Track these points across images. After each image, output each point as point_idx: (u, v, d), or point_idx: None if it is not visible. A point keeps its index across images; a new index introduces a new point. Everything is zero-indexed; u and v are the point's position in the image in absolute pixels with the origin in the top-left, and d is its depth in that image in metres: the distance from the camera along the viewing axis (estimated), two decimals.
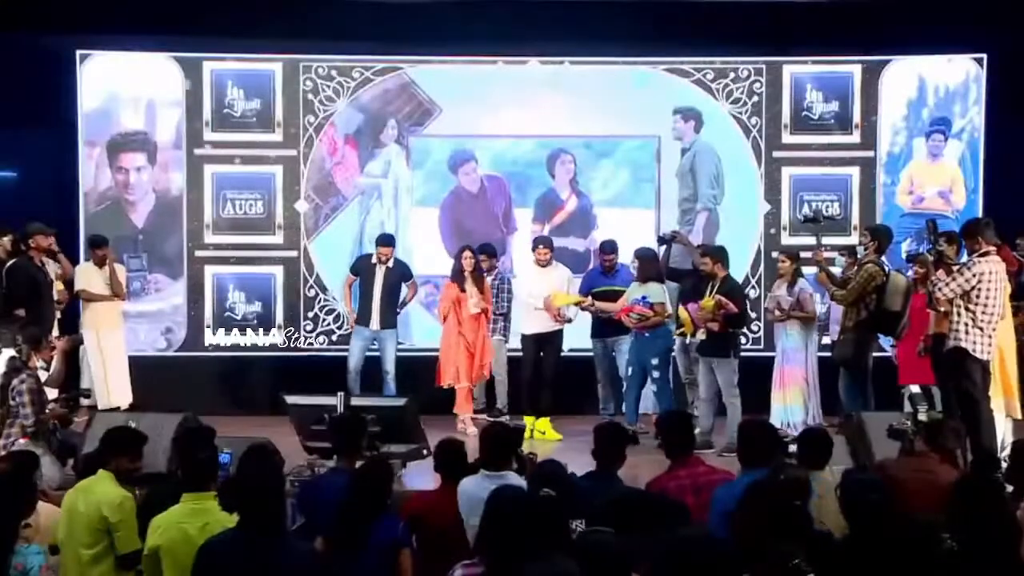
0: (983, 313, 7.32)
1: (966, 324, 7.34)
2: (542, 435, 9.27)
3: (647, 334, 9.02)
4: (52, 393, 7.84)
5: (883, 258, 8.64)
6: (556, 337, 9.56)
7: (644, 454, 7.74)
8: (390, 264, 9.73)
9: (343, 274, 10.28)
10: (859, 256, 8.66)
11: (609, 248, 9.60)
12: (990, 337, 7.38)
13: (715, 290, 8.72)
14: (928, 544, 3.80)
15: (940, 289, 7.34)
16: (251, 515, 4.10)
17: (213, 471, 4.73)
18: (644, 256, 9.30)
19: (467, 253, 9.50)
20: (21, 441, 7.22)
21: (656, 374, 9.01)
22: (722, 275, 8.82)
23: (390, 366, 9.74)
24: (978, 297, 7.31)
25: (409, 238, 10.70)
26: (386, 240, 9.84)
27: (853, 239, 10.08)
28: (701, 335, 8.76)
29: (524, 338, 9.59)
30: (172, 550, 4.46)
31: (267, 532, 4.08)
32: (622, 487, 5.22)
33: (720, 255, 8.97)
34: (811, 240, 9.07)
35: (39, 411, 7.34)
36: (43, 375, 7.84)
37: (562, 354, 9.61)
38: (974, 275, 7.29)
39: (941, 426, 5.72)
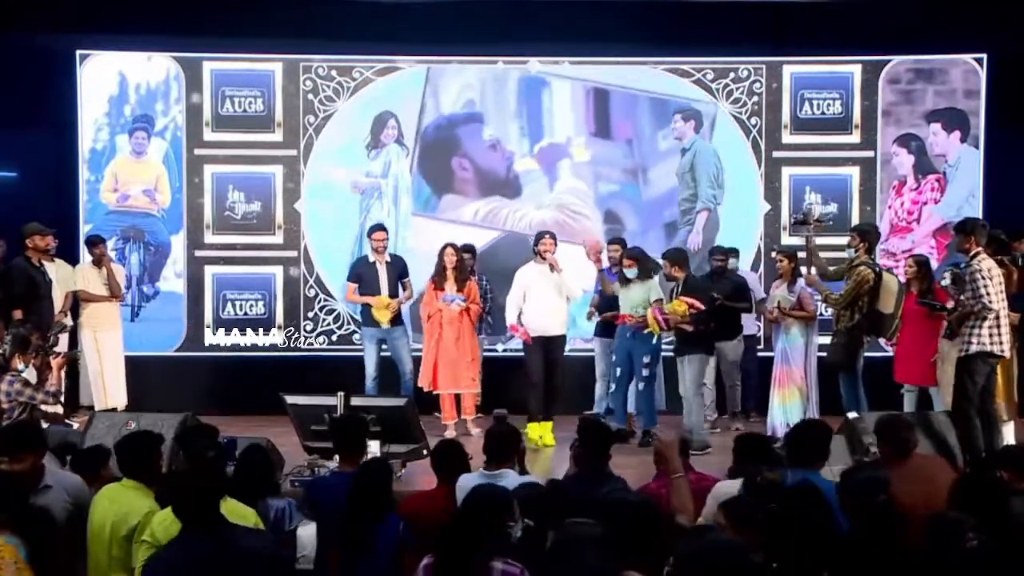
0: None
1: (990, 328, 7.35)
2: (539, 440, 8.90)
3: (643, 332, 8.70)
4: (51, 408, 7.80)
5: (874, 257, 8.62)
6: (563, 340, 9.18)
7: (632, 455, 7.75)
8: (388, 258, 9.57)
9: (343, 274, 10.28)
10: (850, 257, 8.59)
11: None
12: (1007, 326, 7.41)
13: (679, 292, 8.61)
14: (950, 542, 3.80)
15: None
16: (191, 518, 4.07)
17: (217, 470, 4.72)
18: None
19: (449, 250, 9.29)
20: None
21: (645, 372, 8.75)
22: (682, 276, 8.68)
23: (408, 365, 9.44)
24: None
25: (410, 239, 10.71)
26: (379, 226, 9.66)
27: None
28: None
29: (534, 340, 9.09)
30: None
31: (212, 532, 4.04)
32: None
33: (677, 258, 8.80)
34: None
35: (45, 394, 7.38)
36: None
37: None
38: (987, 272, 7.35)
39: (896, 423, 5.52)
